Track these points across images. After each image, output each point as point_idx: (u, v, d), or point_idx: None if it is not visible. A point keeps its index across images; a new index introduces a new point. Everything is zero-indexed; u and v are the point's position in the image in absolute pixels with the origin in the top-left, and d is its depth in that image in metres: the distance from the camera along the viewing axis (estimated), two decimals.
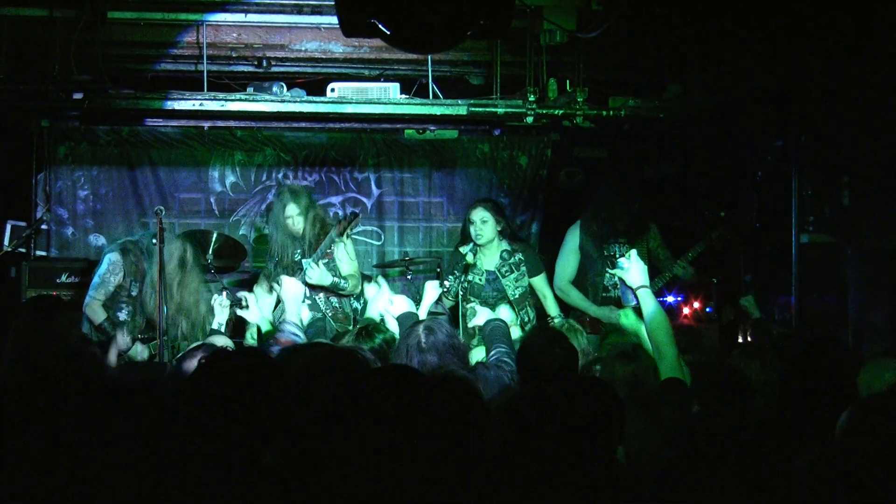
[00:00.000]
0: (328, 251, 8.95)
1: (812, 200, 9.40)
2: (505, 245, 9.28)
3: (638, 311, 6.56)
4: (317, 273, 8.86)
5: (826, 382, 4.88)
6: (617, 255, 9.23)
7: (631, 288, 6.41)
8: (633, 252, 6.54)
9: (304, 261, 8.95)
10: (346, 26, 6.67)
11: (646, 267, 6.46)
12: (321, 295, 9.15)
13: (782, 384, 5.09)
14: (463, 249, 9.11)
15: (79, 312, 8.68)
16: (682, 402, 5.41)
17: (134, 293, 8.98)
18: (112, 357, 6.91)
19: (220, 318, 8.47)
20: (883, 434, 3.89)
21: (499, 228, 9.21)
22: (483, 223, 9.15)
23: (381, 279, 7.99)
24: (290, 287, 7.73)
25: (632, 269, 6.46)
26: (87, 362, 6.05)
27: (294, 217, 9.12)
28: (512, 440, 3.96)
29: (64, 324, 6.35)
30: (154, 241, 8.69)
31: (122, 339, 8.28)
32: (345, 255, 9.16)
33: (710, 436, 4.88)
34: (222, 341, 7.04)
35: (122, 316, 8.92)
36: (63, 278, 9.84)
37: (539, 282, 9.34)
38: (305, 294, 8.51)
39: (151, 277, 8.86)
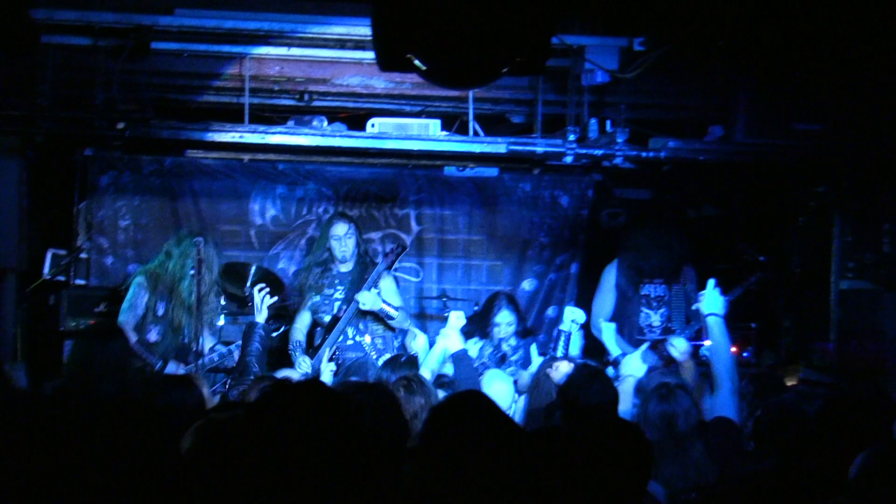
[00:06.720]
0: (375, 286, 8.97)
1: (853, 247, 9.33)
2: None
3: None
4: (370, 297, 8.82)
5: (858, 428, 4.84)
6: (652, 295, 9.28)
7: (703, 314, 6.53)
8: (712, 281, 6.59)
9: (357, 294, 8.91)
10: (383, 61, 6.68)
11: (723, 299, 6.51)
12: (366, 335, 9.13)
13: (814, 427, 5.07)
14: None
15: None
16: (728, 441, 5.44)
17: (160, 312, 8.94)
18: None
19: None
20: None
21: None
22: (508, 326, 9.19)
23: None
24: None
25: (706, 296, 6.54)
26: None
27: (343, 238, 9.14)
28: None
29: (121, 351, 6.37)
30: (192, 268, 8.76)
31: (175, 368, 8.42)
32: (391, 290, 9.16)
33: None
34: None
35: (153, 337, 8.89)
36: (102, 307, 9.83)
37: None
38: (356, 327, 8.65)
39: (178, 295, 8.92)
